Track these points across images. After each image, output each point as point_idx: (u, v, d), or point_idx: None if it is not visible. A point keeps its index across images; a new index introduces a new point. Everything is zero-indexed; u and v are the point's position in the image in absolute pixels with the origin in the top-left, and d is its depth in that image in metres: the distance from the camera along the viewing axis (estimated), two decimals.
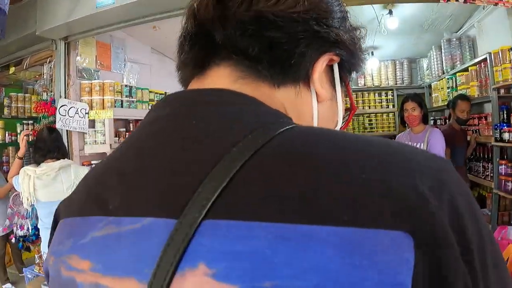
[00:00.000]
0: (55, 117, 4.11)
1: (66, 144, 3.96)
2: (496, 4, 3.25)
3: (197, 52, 0.56)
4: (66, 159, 3.43)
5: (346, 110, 0.67)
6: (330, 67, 0.59)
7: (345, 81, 0.62)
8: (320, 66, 0.55)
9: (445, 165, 0.41)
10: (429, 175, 0.39)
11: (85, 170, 3.30)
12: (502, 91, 4.22)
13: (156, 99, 5.40)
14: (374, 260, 0.34)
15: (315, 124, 0.58)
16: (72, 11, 3.65)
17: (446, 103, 5.42)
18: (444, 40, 5.71)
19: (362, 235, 0.35)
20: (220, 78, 0.54)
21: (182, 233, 0.39)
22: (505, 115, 4.16)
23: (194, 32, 0.56)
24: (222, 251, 0.37)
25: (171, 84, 6.17)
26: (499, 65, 4.06)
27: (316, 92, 0.56)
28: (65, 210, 0.55)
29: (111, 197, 0.47)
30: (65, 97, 4.17)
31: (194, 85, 0.57)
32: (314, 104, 0.57)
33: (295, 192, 0.38)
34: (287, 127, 0.45)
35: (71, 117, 4.16)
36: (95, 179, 0.53)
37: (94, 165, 0.59)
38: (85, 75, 4.42)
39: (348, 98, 0.66)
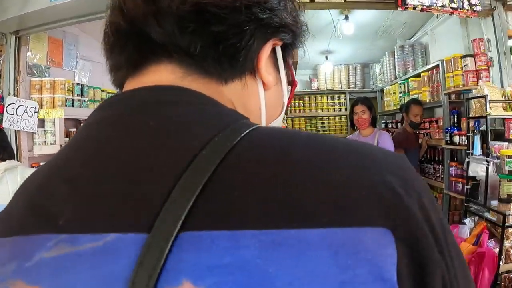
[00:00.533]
0: (2, 116, 3.85)
1: (14, 145, 3.75)
2: (451, 13, 3.40)
3: (131, 51, 0.49)
4: (12, 160, 3.19)
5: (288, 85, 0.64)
6: (272, 50, 0.55)
7: (287, 61, 0.59)
8: (265, 54, 0.52)
9: (404, 162, 0.42)
10: (395, 172, 0.39)
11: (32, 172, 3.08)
12: (453, 96, 4.44)
13: None
14: (363, 259, 0.34)
15: (263, 114, 0.55)
16: (24, 4, 3.44)
17: (398, 107, 5.61)
18: (398, 47, 5.94)
19: (349, 235, 0.34)
20: (164, 75, 0.48)
21: (156, 249, 0.34)
22: (455, 119, 4.37)
23: (123, 29, 0.49)
24: (208, 265, 0.34)
25: None
26: (451, 71, 4.25)
27: (262, 81, 0.53)
28: (2, 228, 0.45)
29: (60, 210, 0.40)
30: (14, 95, 3.92)
31: (132, 84, 0.50)
32: (261, 94, 0.54)
33: (278, 195, 0.36)
34: (252, 127, 0.42)
35: (20, 116, 3.93)
36: (36, 189, 0.45)
37: (32, 173, 0.52)
38: (35, 71, 4.18)
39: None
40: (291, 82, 0.64)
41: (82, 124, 0.50)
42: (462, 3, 3.39)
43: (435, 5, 3.27)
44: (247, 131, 0.41)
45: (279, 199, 0.35)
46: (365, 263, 0.34)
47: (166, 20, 0.46)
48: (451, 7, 3.32)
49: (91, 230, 0.37)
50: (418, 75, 5.29)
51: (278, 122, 0.61)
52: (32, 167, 3.92)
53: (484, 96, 3.38)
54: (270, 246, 0.34)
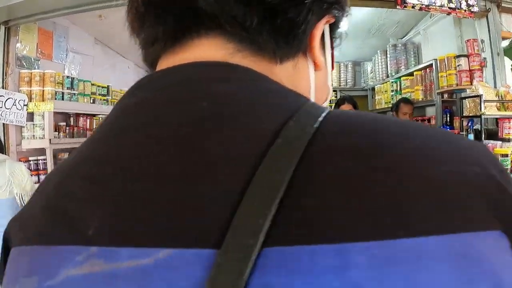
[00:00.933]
0: None
1: (2, 139, 3.65)
2: (449, 13, 3.41)
3: (170, 22, 0.42)
4: (0, 154, 3.08)
5: None
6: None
7: (333, 42, 0.54)
8: (319, 31, 0.46)
9: (488, 149, 0.36)
10: (493, 163, 0.33)
11: (21, 166, 2.97)
12: (445, 95, 4.48)
13: (98, 92, 5.14)
14: (486, 271, 0.28)
15: (312, 98, 0.48)
16: None
17: (389, 105, 5.64)
18: (390, 45, 5.97)
19: (466, 242, 0.28)
20: (211, 50, 0.41)
21: (230, 271, 0.27)
22: (448, 118, 4.40)
23: None
24: None
25: (113, 78, 5.93)
26: (445, 71, 4.29)
27: (314, 62, 0.47)
28: (19, 234, 0.38)
29: (89, 216, 0.33)
30: (3, 87, 3.81)
31: (171, 60, 0.43)
32: (311, 76, 0.48)
33: (382, 197, 0.28)
34: (326, 110, 0.35)
35: (8, 109, 3.82)
36: (56, 190, 0.37)
37: (53, 170, 0.42)
38: (24, 63, 4.07)
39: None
40: (332, 65, 0.57)
41: (111, 111, 0.42)
42: (460, 4, 3.41)
43: (433, 4, 3.28)
44: (324, 115, 0.34)
45: (383, 202, 0.28)
46: (488, 276, 0.28)
47: None
48: (449, 7, 3.34)
49: (132, 243, 0.30)
50: (410, 74, 5.32)
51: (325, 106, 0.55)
52: (20, 161, 3.83)
53: (479, 96, 3.41)
54: (383, 262, 0.26)
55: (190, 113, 0.35)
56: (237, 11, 0.40)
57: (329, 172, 0.29)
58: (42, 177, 4.01)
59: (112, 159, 0.35)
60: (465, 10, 3.45)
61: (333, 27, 0.51)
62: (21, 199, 2.75)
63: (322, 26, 0.46)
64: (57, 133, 4.22)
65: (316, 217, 0.28)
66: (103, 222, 0.32)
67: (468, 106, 3.66)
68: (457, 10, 3.39)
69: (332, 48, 0.53)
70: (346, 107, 3.89)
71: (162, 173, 0.32)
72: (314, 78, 0.48)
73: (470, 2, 3.46)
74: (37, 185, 2.63)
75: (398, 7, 3.30)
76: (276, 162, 0.30)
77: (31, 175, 3.88)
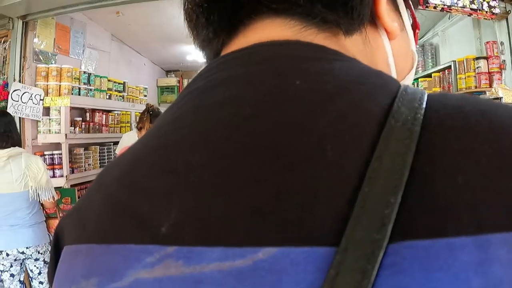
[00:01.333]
0: (7, 102, 3.78)
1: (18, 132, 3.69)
2: (470, 14, 3.36)
3: (219, 17, 0.39)
4: (17, 147, 3.05)
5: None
6: None
7: (408, 4, 0.46)
8: None
9: None
10: None
11: (37, 160, 2.99)
12: None
13: (114, 88, 5.18)
14: None
15: (393, 69, 0.43)
16: None
17: None
18: None
19: None
20: (276, 30, 0.37)
21: (353, 270, 0.22)
22: None
23: None
24: None
25: (129, 74, 5.97)
26: (463, 73, 4.22)
27: (386, 30, 0.41)
28: (75, 232, 0.35)
29: (163, 211, 0.29)
30: (20, 81, 3.85)
31: (234, 47, 0.38)
32: (387, 46, 0.42)
33: (508, 180, 0.24)
34: (424, 92, 0.31)
35: (24, 103, 3.86)
36: (120, 183, 0.33)
37: (112, 162, 0.38)
38: (41, 58, 4.10)
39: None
40: (413, 25, 0.49)
41: (177, 97, 0.38)
42: (482, 5, 3.35)
43: (456, 5, 3.22)
44: (425, 96, 0.30)
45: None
46: None
47: None
48: (471, 8, 3.29)
49: (221, 242, 0.26)
50: (428, 75, 5.25)
51: (411, 77, 0.49)
52: (36, 155, 3.87)
53: (499, 98, 3.35)
54: None
55: (281, 92, 0.31)
56: None
57: (454, 155, 0.25)
58: (57, 171, 4.04)
59: (187, 149, 0.31)
60: (486, 12, 3.39)
61: None
62: (35, 192, 2.77)
63: None
64: (73, 128, 4.26)
65: (448, 205, 0.23)
66: (181, 218, 0.28)
67: None
68: (478, 11, 3.34)
69: (410, 7, 0.46)
70: None
71: (261, 158, 0.28)
72: (391, 47, 0.42)
73: (492, 4, 3.40)
74: (53, 180, 2.66)
75: (420, 7, 3.25)
76: (394, 144, 0.26)
77: (46, 169, 3.94)
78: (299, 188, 0.26)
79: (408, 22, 0.46)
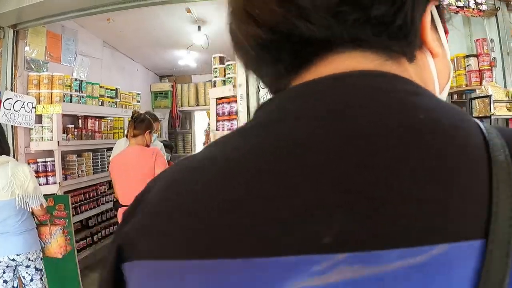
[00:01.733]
0: None
1: (10, 140, 3.70)
2: (456, 12, 3.36)
3: (288, 58, 0.42)
4: (4, 155, 2.99)
5: None
6: None
7: (442, 18, 0.49)
8: (428, 18, 0.43)
9: None
10: None
11: (24, 167, 2.90)
12: (455, 96, 4.40)
13: (106, 94, 5.19)
14: None
15: (437, 86, 0.46)
16: None
17: None
18: None
19: None
20: (358, 62, 0.40)
21: (501, 258, 0.28)
22: None
23: (266, 40, 0.41)
24: None
25: (122, 80, 5.98)
26: (454, 71, 4.22)
27: (430, 51, 0.44)
28: (154, 247, 0.35)
29: (323, 221, 0.31)
30: (11, 90, 3.86)
31: (306, 78, 0.41)
32: (431, 66, 0.45)
33: None
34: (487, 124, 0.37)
35: (17, 111, 3.88)
36: (248, 190, 0.33)
37: (184, 166, 0.40)
38: (33, 66, 4.12)
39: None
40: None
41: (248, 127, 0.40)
42: (468, 2, 3.35)
43: (441, 2, 3.22)
44: (496, 131, 0.36)
45: None
46: None
47: (319, 14, 0.38)
48: (457, 6, 3.29)
49: (395, 244, 0.29)
50: None
51: (448, 87, 0.52)
52: (29, 163, 3.87)
53: (489, 96, 3.35)
54: None
55: (416, 126, 0.35)
56: (352, 29, 0.39)
57: None
58: (51, 178, 4.05)
59: (321, 144, 0.34)
60: (473, 9, 3.39)
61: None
62: (22, 200, 2.75)
63: (429, 13, 0.44)
64: (65, 135, 4.28)
65: None
66: (343, 227, 0.30)
67: (477, 106, 3.60)
68: (465, 8, 3.34)
69: (444, 22, 0.50)
70: None
71: (395, 166, 0.32)
72: (435, 65, 0.46)
73: (478, 1, 3.41)
74: (41, 187, 2.61)
75: None
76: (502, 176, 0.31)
77: (39, 176, 3.93)
78: (461, 195, 0.31)
79: (444, 36, 0.48)
